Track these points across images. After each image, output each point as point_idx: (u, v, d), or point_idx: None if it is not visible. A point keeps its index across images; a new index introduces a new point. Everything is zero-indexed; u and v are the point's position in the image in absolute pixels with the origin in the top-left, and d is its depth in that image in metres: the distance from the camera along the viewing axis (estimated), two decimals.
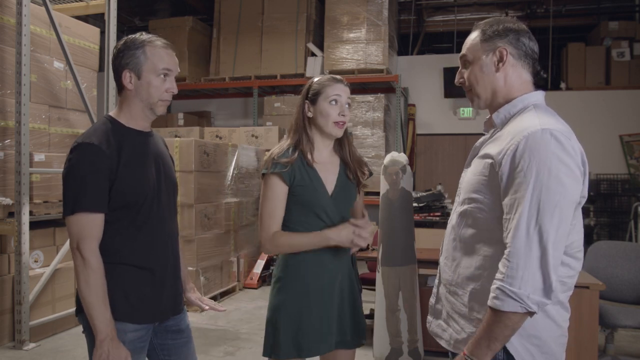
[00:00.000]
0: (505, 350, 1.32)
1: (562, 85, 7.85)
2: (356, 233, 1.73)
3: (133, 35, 1.65)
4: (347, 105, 1.84)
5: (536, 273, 1.22)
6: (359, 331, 1.90)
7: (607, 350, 3.42)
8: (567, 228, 1.26)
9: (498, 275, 1.26)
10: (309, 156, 1.82)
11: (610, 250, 3.51)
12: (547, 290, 1.23)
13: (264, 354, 1.85)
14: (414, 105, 8.15)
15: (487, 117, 1.49)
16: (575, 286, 2.83)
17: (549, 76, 8.11)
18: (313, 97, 1.84)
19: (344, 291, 1.86)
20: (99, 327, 1.51)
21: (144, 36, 1.65)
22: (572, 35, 8.46)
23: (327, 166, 1.86)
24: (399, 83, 7.39)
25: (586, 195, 1.33)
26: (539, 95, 1.43)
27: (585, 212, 6.88)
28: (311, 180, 1.80)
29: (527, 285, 1.22)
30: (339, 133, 1.83)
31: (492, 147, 1.36)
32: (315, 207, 1.79)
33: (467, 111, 7.77)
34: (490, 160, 1.34)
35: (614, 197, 7.11)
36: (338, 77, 1.89)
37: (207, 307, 1.88)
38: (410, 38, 8.61)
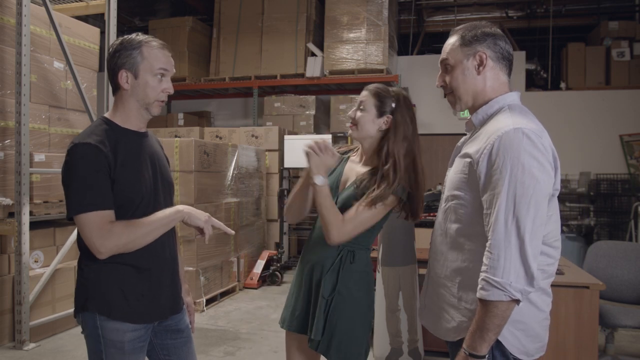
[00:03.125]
0: None
1: (562, 85, 7.84)
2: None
3: (129, 36, 1.65)
4: None
5: (516, 262, 1.30)
6: (317, 334, 1.84)
7: (607, 350, 3.42)
8: (542, 219, 1.34)
9: (483, 268, 1.34)
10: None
11: (610, 250, 3.51)
12: (530, 278, 1.31)
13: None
14: (414, 105, 8.13)
15: (468, 117, 1.57)
16: (575, 286, 2.86)
17: (549, 76, 8.11)
18: None
19: (313, 287, 1.89)
20: (175, 215, 1.63)
21: (140, 37, 1.65)
22: (572, 35, 8.46)
23: None
24: (399, 83, 7.39)
25: (559, 188, 1.43)
26: (515, 96, 1.51)
27: (586, 212, 6.88)
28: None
29: (509, 274, 1.30)
30: None
31: (471, 147, 1.45)
32: None
33: (466, 111, 7.75)
34: (469, 159, 1.43)
35: (614, 197, 7.10)
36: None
37: (188, 320, 1.87)
38: (410, 38, 8.60)
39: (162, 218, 1.60)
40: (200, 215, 1.64)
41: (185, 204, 5.15)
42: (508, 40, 1.52)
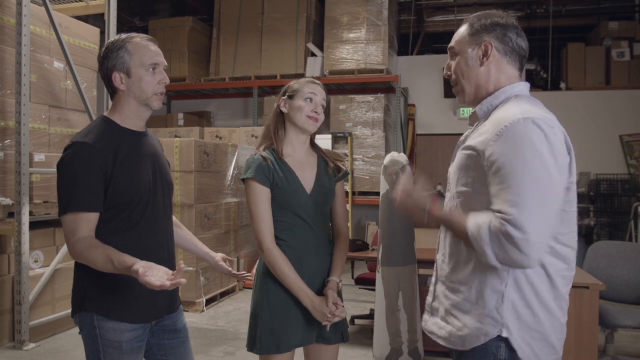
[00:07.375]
0: (508, 345, 1.32)
1: (562, 85, 7.85)
2: (328, 318, 1.78)
3: (112, 39, 1.66)
4: (321, 106, 1.89)
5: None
6: (339, 326, 1.89)
7: (607, 350, 3.41)
8: (555, 214, 1.26)
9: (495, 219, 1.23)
10: (281, 151, 1.86)
11: (610, 250, 3.51)
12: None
13: (247, 347, 1.89)
14: (413, 105, 8.15)
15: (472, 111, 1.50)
16: (575, 286, 2.85)
17: (549, 76, 8.11)
18: (291, 94, 1.89)
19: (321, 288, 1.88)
20: (128, 264, 1.40)
21: (123, 35, 1.66)
22: (572, 35, 8.46)
23: (304, 165, 1.89)
24: (398, 83, 7.39)
25: (575, 180, 1.33)
26: (522, 86, 1.42)
27: (585, 212, 6.88)
28: (288, 181, 1.83)
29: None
30: (312, 127, 1.87)
31: (476, 139, 1.36)
32: (294, 206, 1.83)
33: (467, 111, 7.76)
34: (473, 152, 1.34)
35: (614, 197, 7.10)
36: (316, 80, 1.95)
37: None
38: (410, 38, 8.61)
39: (117, 261, 1.44)
40: (153, 281, 1.37)
41: (185, 204, 5.15)
42: (521, 33, 1.42)
